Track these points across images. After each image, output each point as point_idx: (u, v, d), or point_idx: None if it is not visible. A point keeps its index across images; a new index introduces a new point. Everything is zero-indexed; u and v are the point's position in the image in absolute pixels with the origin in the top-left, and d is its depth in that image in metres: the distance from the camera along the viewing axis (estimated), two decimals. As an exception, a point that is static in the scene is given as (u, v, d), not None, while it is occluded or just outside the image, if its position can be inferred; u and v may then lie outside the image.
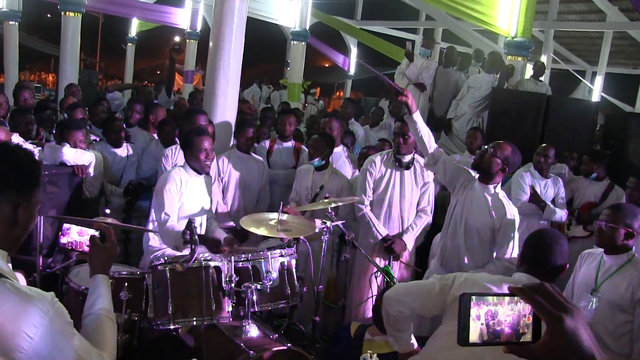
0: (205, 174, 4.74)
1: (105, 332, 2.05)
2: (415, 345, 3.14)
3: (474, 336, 1.27)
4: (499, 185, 4.28)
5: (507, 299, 1.28)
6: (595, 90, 14.88)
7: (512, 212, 4.18)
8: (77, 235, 2.37)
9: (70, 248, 2.40)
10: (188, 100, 9.26)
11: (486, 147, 4.26)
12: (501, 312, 1.28)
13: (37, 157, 4.57)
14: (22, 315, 1.64)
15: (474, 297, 1.27)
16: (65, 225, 2.39)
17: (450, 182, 4.44)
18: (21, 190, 1.82)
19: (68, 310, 3.66)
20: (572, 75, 16.50)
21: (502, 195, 4.25)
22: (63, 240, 2.39)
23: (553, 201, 5.96)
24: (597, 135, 9.30)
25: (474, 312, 1.27)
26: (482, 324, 1.27)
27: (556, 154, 6.14)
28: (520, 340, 1.28)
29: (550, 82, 10.73)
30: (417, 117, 4.24)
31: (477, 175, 4.32)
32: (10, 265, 3.35)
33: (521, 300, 1.26)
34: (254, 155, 5.81)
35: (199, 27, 17.12)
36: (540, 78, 9.64)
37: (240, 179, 5.58)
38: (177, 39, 17.19)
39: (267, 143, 6.36)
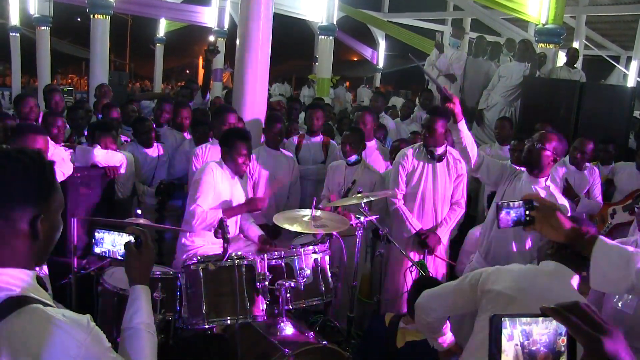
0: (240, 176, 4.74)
1: (145, 348, 1.94)
2: (453, 340, 3.09)
3: (507, 359, 1.21)
4: (549, 177, 4.19)
5: (541, 317, 1.23)
6: (631, 75, 14.54)
7: (565, 205, 4.09)
8: (110, 244, 2.30)
9: (103, 256, 2.33)
10: (224, 99, 9.27)
11: (532, 140, 4.16)
12: (536, 331, 1.22)
13: (70, 159, 4.61)
14: (58, 347, 1.51)
15: (506, 319, 1.22)
16: (98, 235, 2.31)
17: (495, 182, 4.37)
18: (35, 202, 1.63)
19: (104, 311, 3.70)
20: (606, 61, 16.19)
21: (552, 188, 4.17)
22: (97, 250, 2.32)
23: (588, 192, 5.81)
24: (634, 121, 9.06)
25: (506, 331, 1.21)
26: (516, 344, 1.22)
27: (594, 147, 5.93)
28: None
29: (583, 69, 10.52)
30: (462, 126, 4.13)
31: (522, 168, 4.24)
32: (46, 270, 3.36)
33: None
34: (284, 151, 5.78)
35: (226, 25, 17.15)
36: (575, 65, 9.45)
37: (270, 175, 5.56)
38: (211, 38, 17.18)
39: (295, 139, 6.34)
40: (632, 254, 2.13)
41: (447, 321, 3.05)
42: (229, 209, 4.44)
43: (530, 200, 2.27)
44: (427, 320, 2.95)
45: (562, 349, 1.22)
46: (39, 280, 1.70)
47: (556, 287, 2.59)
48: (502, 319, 1.22)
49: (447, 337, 3.06)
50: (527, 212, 2.28)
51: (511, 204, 2.28)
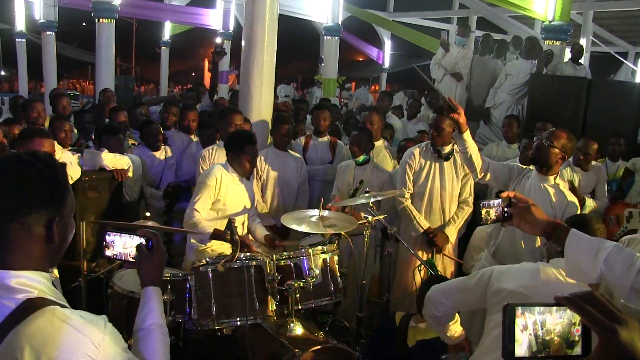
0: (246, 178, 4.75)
1: (158, 349, 1.97)
2: (463, 333, 3.10)
3: (521, 348, 1.22)
4: (559, 175, 4.19)
5: (555, 307, 1.23)
6: (639, 71, 14.51)
7: (575, 202, 4.08)
8: (121, 247, 2.31)
9: (115, 258, 2.34)
10: (229, 101, 9.29)
11: (541, 138, 4.16)
12: (550, 320, 1.22)
13: (77, 163, 4.63)
14: (76, 348, 1.53)
15: (519, 308, 1.22)
16: (109, 238, 2.32)
17: (504, 184, 4.35)
18: (50, 205, 1.65)
19: (114, 313, 3.72)
20: (613, 57, 16.13)
21: (562, 185, 4.16)
22: (108, 253, 2.33)
23: (593, 191, 5.79)
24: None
25: (520, 321, 1.22)
26: (529, 334, 1.22)
27: (599, 147, 5.88)
28: (570, 354, 1.22)
29: (590, 66, 10.52)
30: (467, 136, 4.12)
31: (532, 167, 4.24)
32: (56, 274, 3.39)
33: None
34: (291, 152, 5.79)
35: (231, 27, 17.17)
36: (580, 61, 9.43)
37: (278, 176, 5.57)
38: (218, 40, 17.20)
39: (302, 139, 6.35)
40: (601, 244, 2.20)
41: (457, 315, 3.06)
42: (214, 234, 4.42)
43: (509, 198, 2.34)
44: (434, 314, 2.97)
45: (577, 338, 1.22)
46: (52, 283, 1.73)
47: (567, 284, 2.60)
48: (516, 308, 1.22)
49: (457, 331, 3.07)
50: (505, 209, 2.36)
51: (490, 202, 2.39)
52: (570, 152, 4.19)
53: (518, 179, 4.25)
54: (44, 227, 1.64)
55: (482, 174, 4.27)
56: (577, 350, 1.22)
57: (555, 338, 1.22)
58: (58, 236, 1.67)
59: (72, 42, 25.61)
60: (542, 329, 1.22)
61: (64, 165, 1.74)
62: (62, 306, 1.60)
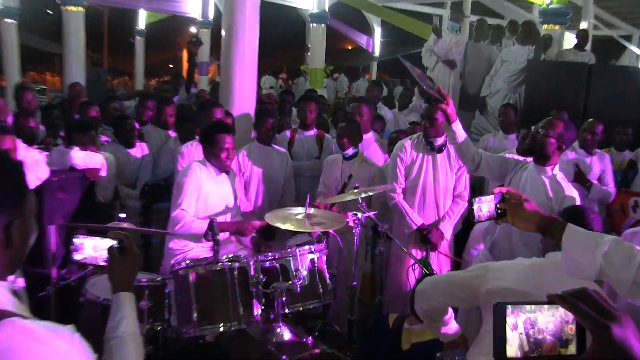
0: (226, 172, 4.74)
1: (131, 357, 1.96)
2: (459, 329, 3.11)
3: (512, 349, 1.23)
4: (557, 166, 4.21)
5: (546, 305, 1.24)
6: (644, 55, 14.61)
7: (573, 194, 4.10)
8: (91, 250, 2.29)
9: (85, 262, 2.32)
10: (210, 94, 9.27)
11: (537, 127, 4.19)
12: (541, 319, 1.24)
13: (45, 162, 4.59)
14: None
15: (509, 306, 1.24)
16: (77, 241, 2.30)
17: (500, 176, 4.38)
18: (9, 206, 1.59)
19: (86, 323, 3.69)
20: (616, 41, 16.17)
21: (560, 177, 4.17)
22: (77, 257, 2.31)
23: (599, 179, 5.84)
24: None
25: (510, 320, 1.23)
26: (520, 333, 1.23)
27: (604, 129, 5.97)
28: (564, 354, 1.23)
29: (592, 51, 10.57)
30: (457, 126, 4.16)
31: (529, 159, 4.26)
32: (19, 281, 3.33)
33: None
34: (276, 146, 5.79)
35: (211, 15, 17.10)
36: (585, 47, 9.46)
37: (262, 172, 5.56)
38: (193, 30, 17.07)
39: (288, 133, 6.34)
40: (599, 239, 2.22)
41: (451, 311, 3.07)
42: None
43: (501, 194, 2.36)
44: (424, 308, 2.97)
45: (570, 337, 1.24)
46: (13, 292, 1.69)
47: (568, 278, 2.61)
48: (506, 307, 1.23)
49: (452, 328, 3.08)
50: (498, 206, 2.39)
51: (483, 198, 2.40)
52: (567, 142, 4.21)
53: (515, 170, 4.28)
54: (3, 231, 1.59)
55: (475, 166, 4.31)
56: (572, 349, 1.24)
57: (548, 337, 1.23)
58: (18, 240, 1.62)
59: (36, 31, 25.28)
60: (533, 327, 1.23)
61: (21, 162, 1.69)
62: (23, 317, 1.54)
